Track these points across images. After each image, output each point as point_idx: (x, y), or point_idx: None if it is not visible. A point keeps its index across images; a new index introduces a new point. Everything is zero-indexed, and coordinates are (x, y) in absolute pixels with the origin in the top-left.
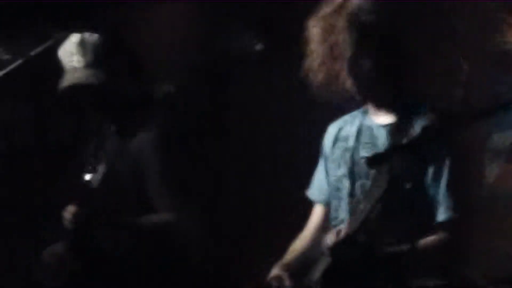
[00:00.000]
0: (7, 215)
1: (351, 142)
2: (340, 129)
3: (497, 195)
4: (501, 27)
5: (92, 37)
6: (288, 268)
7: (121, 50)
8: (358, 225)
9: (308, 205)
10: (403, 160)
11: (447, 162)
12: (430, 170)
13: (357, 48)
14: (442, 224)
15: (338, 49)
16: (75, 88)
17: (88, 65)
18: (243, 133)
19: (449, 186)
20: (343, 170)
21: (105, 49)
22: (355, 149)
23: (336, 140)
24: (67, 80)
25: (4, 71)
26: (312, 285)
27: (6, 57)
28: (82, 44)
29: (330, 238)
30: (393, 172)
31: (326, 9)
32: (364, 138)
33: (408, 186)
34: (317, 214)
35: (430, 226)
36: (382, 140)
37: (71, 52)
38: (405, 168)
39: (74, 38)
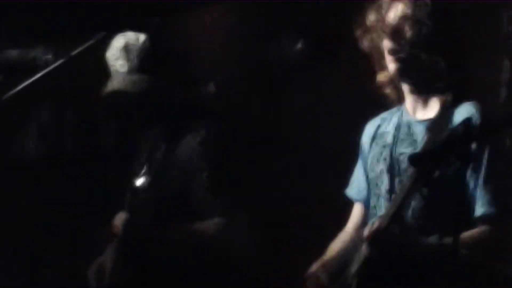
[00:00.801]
0: (52, 220)
1: (389, 139)
2: (378, 127)
3: None
4: None
5: (137, 41)
6: (327, 266)
7: (167, 55)
8: (391, 215)
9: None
10: (440, 154)
11: (486, 157)
12: (469, 165)
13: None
14: (480, 219)
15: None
16: (117, 93)
17: (131, 71)
18: (289, 135)
19: (487, 181)
20: (382, 166)
21: (150, 54)
22: (393, 146)
23: (374, 137)
24: (110, 85)
25: (45, 71)
26: (349, 280)
27: (46, 57)
28: (126, 48)
29: (366, 231)
30: (428, 164)
31: (370, 18)
32: (402, 134)
33: (440, 177)
34: (356, 213)
35: (469, 221)
36: (420, 136)
37: (115, 56)
38: (441, 161)
39: (119, 42)
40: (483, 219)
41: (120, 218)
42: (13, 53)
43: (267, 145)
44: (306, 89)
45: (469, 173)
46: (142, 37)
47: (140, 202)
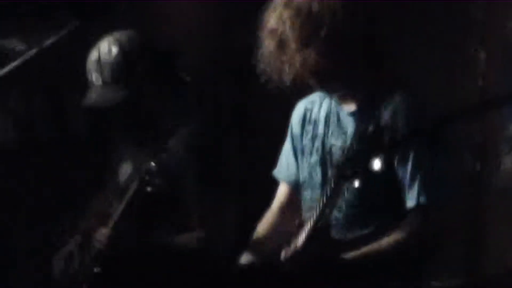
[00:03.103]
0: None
1: (320, 129)
2: (307, 110)
3: None
4: None
5: (109, 54)
6: (259, 251)
7: (144, 64)
8: (310, 232)
9: None
10: (368, 149)
11: (415, 148)
12: (398, 157)
13: (303, 40)
14: (412, 210)
15: (287, 41)
16: (93, 107)
17: (106, 83)
18: (261, 124)
19: (417, 172)
20: (315, 157)
21: (123, 66)
22: (325, 136)
23: (304, 121)
24: (87, 98)
25: (17, 62)
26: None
27: (20, 47)
28: (99, 61)
29: (283, 254)
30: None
31: (277, 1)
32: (333, 125)
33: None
34: (282, 193)
35: (401, 212)
36: (350, 128)
37: (90, 69)
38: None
39: (93, 56)
40: (415, 210)
41: (103, 234)
42: None
43: (239, 135)
44: None
45: (398, 164)
46: (114, 49)
47: (125, 208)
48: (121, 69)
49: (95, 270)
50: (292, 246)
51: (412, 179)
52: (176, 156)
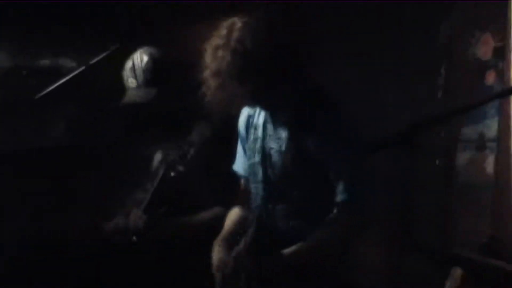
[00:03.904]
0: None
1: (259, 133)
2: (250, 116)
3: (470, 179)
4: (472, 41)
5: (141, 62)
6: (228, 243)
7: (169, 70)
8: (250, 239)
9: None
10: (296, 151)
11: (341, 150)
12: (330, 160)
13: (243, 78)
14: (339, 205)
15: (229, 79)
16: (129, 106)
17: (139, 85)
18: None
19: (343, 171)
20: (257, 158)
21: (153, 71)
22: (264, 140)
23: (247, 125)
24: (124, 99)
25: (67, 77)
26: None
27: (71, 65)
28: (133, 68)
29: (234, 252)
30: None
31: (215, 39)
32: (269, 130)
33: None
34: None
35: (331, 207)
36: (284, 133)
37: (126, 75)
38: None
39: (128, 64)
40: (341, 205)
41: (136, 214)
42: (45, 61)
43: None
44: None
45: (330, 166)
46: (145, 58)
47: (155, 190)
48: (151, 73)
49: (134, 238)
50: (241, 245)
51: (340, 179)
52: (195, 147)
